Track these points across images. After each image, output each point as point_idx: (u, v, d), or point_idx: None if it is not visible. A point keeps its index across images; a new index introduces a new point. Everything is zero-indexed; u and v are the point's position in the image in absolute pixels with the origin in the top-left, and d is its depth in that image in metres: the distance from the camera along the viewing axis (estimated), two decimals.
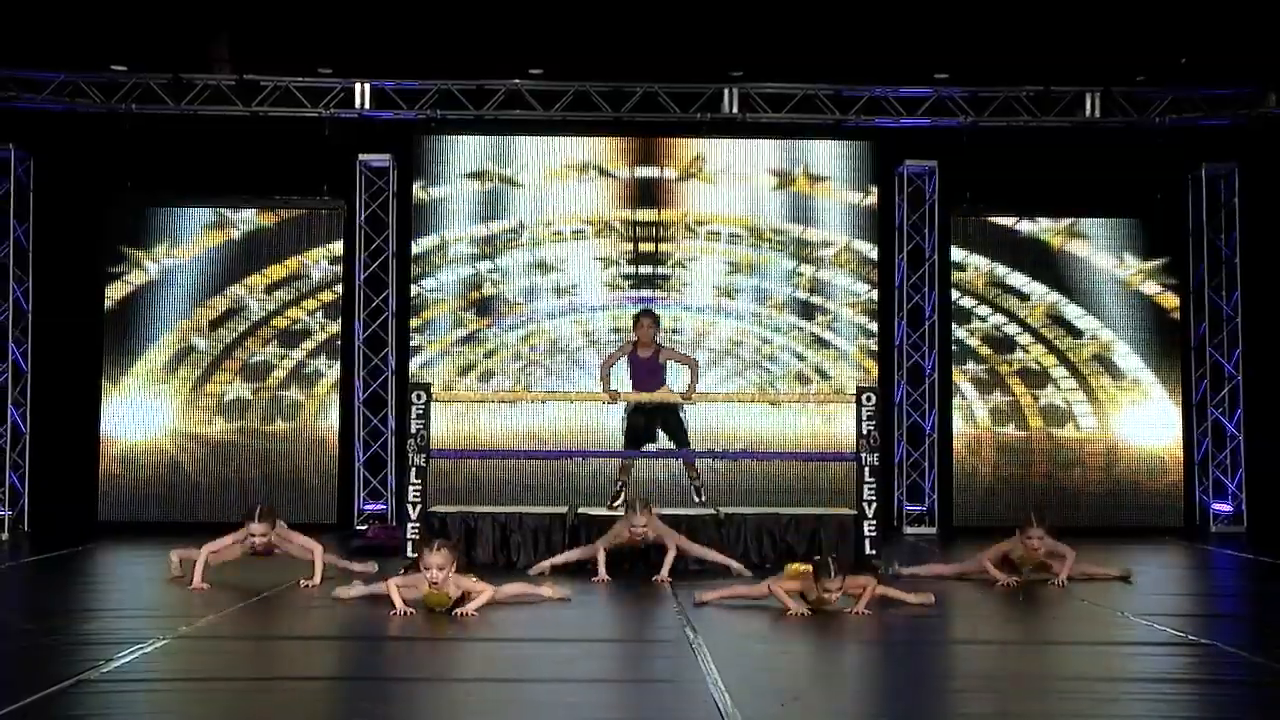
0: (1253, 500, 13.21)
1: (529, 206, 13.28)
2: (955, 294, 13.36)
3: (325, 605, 7.94)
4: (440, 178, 13.27)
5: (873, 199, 13.38)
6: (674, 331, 12.96)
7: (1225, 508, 13.24)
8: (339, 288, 13.14)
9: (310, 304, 13.16)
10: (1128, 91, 13.15)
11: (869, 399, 9.68)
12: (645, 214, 13.31)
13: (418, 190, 13.20)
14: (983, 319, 13.37)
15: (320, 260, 13.18)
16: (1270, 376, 13.18)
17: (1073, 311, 13.37)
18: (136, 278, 13.03)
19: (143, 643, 6.26)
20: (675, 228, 13.30)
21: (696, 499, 10.30)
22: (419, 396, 9.68)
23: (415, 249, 13.18)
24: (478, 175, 13.27)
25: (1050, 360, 13.34)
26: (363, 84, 13.03)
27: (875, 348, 13.29)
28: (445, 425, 12.41)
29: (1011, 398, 13.31)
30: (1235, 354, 13.30)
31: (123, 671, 5.70)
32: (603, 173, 13.32)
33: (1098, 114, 13.20)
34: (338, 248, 13.15)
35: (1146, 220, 13.44)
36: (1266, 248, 13.26)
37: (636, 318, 10.39)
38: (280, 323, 13.12)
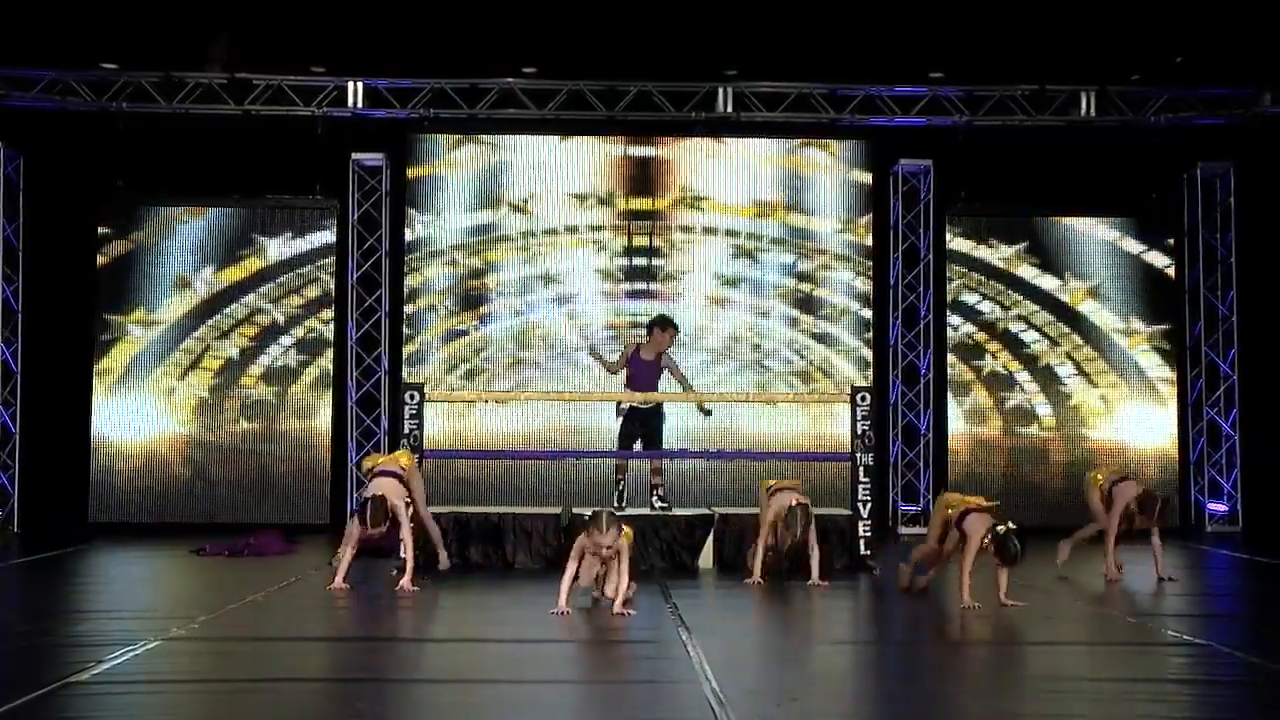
0: (1248, 500, 13.21)
1: (524, 191, 13.19)
2: (965, 293, 13.33)
3: (320, 606, 7.91)
4: (435, 174, 13.22)
5: (868, 198, 13.34)
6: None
7: (1220, 507, 13.24)
8: (332, 286, 13.10)
9: (303, 303, 13.11)
10: (1123, 91, 13.13)
11: (863, 399, 9.69)
12: (640, 202, 13.24)
13: (411, 179, 13.14)
14: (981, 316, 13.35)
15: (312, 259, 13.12)
16: (1266, 376, 13.18)
17: (1068, 312, 13.34)
18: (128, 277, 12.97)
19: (134, 644, 6.22)
20: (671, 219, 13.21)
21: (655, 503, 10.24)
22: (412, 396, 9.66)
23: (409, 235, 13.11)
24: (472, 154, 13.22)
25: (1047, 360, 13.30)
26: (355, 83, 12.97)
27: (870, 347, 13.25)
28: (439, 425, 12.37)
29: (1010, 398, 13.28)
30: (1231, 354, 13.29)
31: (114, 673, 5.66)
32: (595, 132, 13.24)
33: (1093, 113, 13.17)
34: (330, 245, 13.10)
35: (1142, 220, 13.42)
36: (1262, 247, 13.26)
37: (661, 325, 10.40)
38: (273, 322, 13.07)
